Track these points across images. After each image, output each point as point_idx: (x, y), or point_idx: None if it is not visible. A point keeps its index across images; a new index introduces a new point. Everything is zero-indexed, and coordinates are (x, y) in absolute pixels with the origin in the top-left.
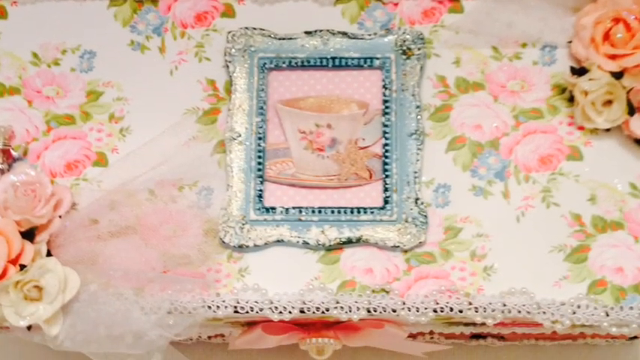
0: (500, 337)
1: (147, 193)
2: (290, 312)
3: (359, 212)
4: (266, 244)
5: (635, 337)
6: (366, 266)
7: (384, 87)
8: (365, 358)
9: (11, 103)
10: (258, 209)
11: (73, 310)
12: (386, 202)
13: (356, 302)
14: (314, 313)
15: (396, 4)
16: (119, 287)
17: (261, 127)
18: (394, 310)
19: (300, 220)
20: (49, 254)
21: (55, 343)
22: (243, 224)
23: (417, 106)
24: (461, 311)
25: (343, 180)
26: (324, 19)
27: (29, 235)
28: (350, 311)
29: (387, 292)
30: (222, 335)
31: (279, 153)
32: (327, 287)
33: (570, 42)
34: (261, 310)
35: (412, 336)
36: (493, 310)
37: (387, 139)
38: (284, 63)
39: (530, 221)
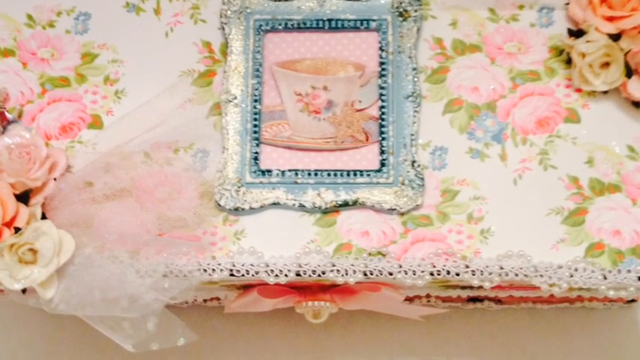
0: (498, 301)
1: (142, 155)
2: (286, 275)
3: (355, 175)
4: (262, 206)
5: (633, 301)
6: (363, 229)
7: (381, 49)
8: (361, 322)
9: (6, 65)
10: (254, 172)
11: (67, 274)
12: (382, 164)
13: (352, 265)
14: (310, 276)
15: None
16: (114, 250)
17: (256, 90)
18: (391, 274)
19: (296, 182)
20: (43, 217)
21: (50, 306)
22: (239, 187)
23: (414, 69)
24: (458, 274)
25: (339, 142)
26: None
27: (24, 197)
28: (346, 274)
29: (384, 255)
30: (218, 299)
31: (275, 115)
32: (324, 250)
33: (568, 4)
34: (256, 273)
35: (409, 299)
36: (490, 274)
37: (383, 101)
38: (280, 25)
39: (528, 184)
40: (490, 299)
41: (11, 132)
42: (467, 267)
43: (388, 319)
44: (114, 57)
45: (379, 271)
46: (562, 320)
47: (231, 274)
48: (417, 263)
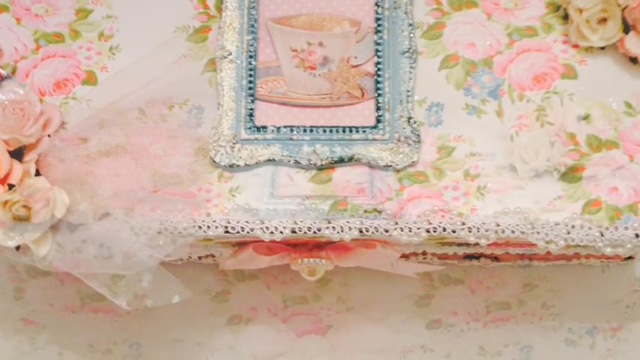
0: (494, 258)
1: (137, 111)
2: (281, 232)
3: (351, 131)
4: (257, 163)
5: (630, 258)
6: (359, 186)
7: (377, 4)
8: (357, 279)
9: None
10: (249, 128)
11: (62, 231)
12: (378, 120)
13: (348, 222)
14: (305, 233)
15: None
16: (109, 207)
17: (252, 46)
18: (386, 231)
19: (291, 139)
20: (37, 174)
21: (44, 263)
22: (234, 143)
23: (410, 24)
24: (454, 231)
25: (335, 98)
26: None
27: (18, 154)
28: (342, 231)
29: (380, 212)
30: (213, 256)
31: (270, 71)
32: (319, 207)
33: None
34: (252, 230)
35: (405, 256)
36: (486, 231)
37: (379, 57)
38: None
39: (524, 140)
40: (486, 256)
41: (5, 88)
42: (463, 224)
43: (384, 277)
44: (108, 13)
45: (375, 228)
46: (559, 277)
47: (226, 231)
48: (413, 220)
